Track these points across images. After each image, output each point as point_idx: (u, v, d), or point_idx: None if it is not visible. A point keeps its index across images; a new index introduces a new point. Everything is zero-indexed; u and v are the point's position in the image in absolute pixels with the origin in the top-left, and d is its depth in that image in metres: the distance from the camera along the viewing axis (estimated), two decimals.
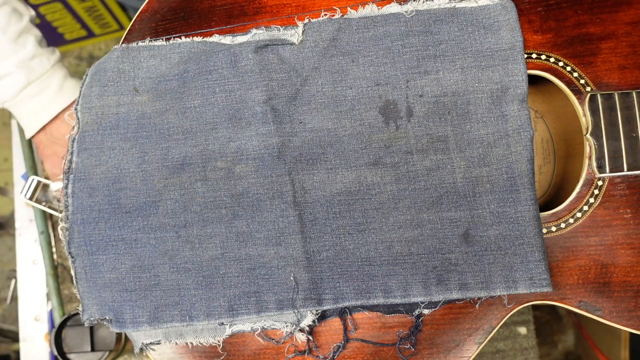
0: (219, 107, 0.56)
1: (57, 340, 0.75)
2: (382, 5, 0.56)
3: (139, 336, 0.56)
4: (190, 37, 0.58)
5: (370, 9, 0.56)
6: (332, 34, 0.56)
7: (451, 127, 0.54)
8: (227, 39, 0.58)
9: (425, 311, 0.54)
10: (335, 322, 0.55)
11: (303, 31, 0.56)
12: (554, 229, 0.55)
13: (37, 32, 0.68)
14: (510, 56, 0.54)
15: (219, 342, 0.55)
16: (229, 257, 0.54)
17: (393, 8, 0.56)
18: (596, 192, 0.55)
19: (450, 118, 0.54)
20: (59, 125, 0.69)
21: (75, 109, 0.58)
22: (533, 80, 0.59)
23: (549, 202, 0.68)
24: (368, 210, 0.54)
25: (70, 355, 0.75)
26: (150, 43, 0.59)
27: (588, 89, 0.56)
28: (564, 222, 0.55)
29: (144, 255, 0.55)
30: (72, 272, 0.56)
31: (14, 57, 0.66)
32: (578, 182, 0.55)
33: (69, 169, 0.57)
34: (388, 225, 0.54)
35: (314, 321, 0.54)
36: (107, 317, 0.55)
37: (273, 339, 0.55)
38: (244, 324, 0.55)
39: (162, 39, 0.59)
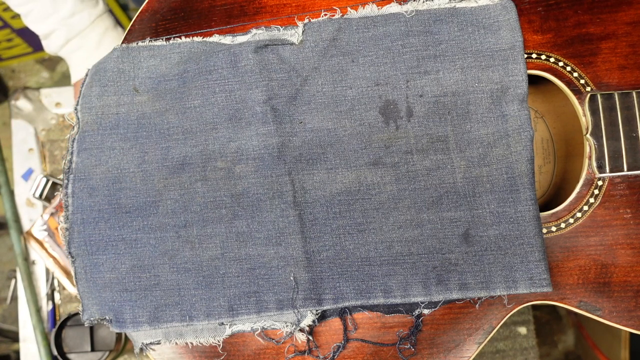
0: (219, 107, 0.56)
1: (57, 340, 0.75)
2: (382, 5, 0.56)
3: (139, 336, 0.56)
4: (190, 37, 0.58)
5: (370, 9, 0.56)
6: (332, 34, 0.56)
7: (451, 127, 0.54)
8: (227, 39, 0.58)
9: (425, 311, 0.54)
10: (335, 322, 0.55)
11: (303, 31, 0.56)
12: (554, 229, 0.55)
13: None
14: (510, 56, 0.54)
15: (219, 342, 0.55)
16: (229, 257, 0.54)
17: (393, 8, 0.56)
18: (596, 192, 0.55)
19: (450, 118, 0.54)
20: None
21: (75, 109, 0.58)
22: (533, 80, 0.59)
23: (549, 202, 0.68)
24: (368, 210, 0.54)
25: (70, 355, 0.75)
26: (150, 43, 0.59)
27: (588, 89, 0.56)
28: (564, 222, 0.55)
29: (144, 255, 0.55)
30: (72, 272, 0.56)
31: (55, 16, 0.69)
32: (578, 182, 0.55)
33: (69, 169, 0.57)
34: (388, 225, 0.54)
35: (314, 321, 0.54)
36: (107, 317, 0.55)
37: (273, 339, 0.55)
38: (244, 324, 0.55)
39: (162, 39, 0.59)
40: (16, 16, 1.23)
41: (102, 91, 0.58)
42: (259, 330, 0.55)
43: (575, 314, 1.29)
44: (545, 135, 0.69)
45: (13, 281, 1.29)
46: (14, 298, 1.28)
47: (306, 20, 0.57)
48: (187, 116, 0.56)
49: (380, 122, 0.55)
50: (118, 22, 0.77)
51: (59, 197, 0.84)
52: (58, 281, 0.85)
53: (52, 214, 0.84)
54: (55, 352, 0.74)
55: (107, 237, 0.55)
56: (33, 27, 0.72)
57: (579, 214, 0.55)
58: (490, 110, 0.54)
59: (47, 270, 0.85)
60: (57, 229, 0.83)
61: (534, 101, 0.69)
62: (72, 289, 0.83)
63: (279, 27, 0.57)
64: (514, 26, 0.54)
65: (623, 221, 0.54)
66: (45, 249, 0.84)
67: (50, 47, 0.73)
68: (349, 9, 0.57)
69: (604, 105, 0.55)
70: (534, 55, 0.56)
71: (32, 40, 1.38)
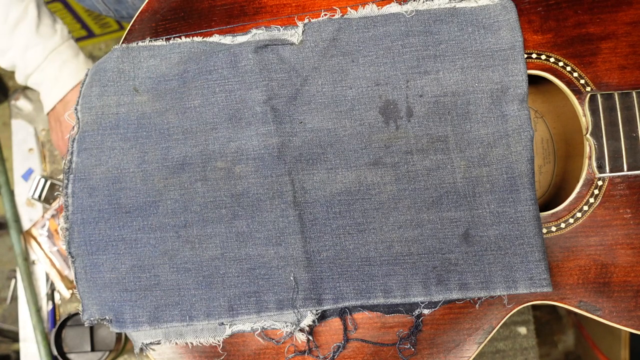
0: (219, 107, 0.56)
1: (57, 340, 0.75)
2: (382, 5, 0.56)
3: (139, 336, 0.56)
4: (190, 37, 0.58)
5: (370, 9, 0.56)
6: (332, 34, 0.56)
7: (451, 127, 0.54)
8: (227, 39, 0.58)
9: (425, 311, 0.54)
10: (335, 322, 0.55)
11: (303, 31, 0.56)
12: (554, 229, 0.55)
13: (32, 15, 0.67)
14: (510, 56, 0.54)
15: (219, 342, 0.55)
16: (229, 257, 0.54)
17: (393, 8, 0.56)
18: (596, 192, 0.55)
19: (450, 118, 0.54)
20: (63, 107, 0.71)
21: (76, 109, 0.58)
22: (533, 80, 0.59)
23: (549, 202, 0.68)
24: (368, 210, 0.54)
25: (70, 355, 0.75)
26: (150, 43, 0.59)
27: (588, 89, 0.56)
28: (564, 222, 0.55)
29: (144, 255, 0.55)
30: (72, 272, 0.56)
31: (13, 50, 0.68)
32: (578, 182, 0.55)
33: (69, 169, 0.57)
34: (388, 225, 0.54)
35: (314, 321, 0.54)
36: (107, 317, 0.55)
37: (273, 339, 0.55)
38: (244, 324, 0.55)
39: (162, 39, 0.59)
40: None
41: (102, 91, 0.58)
42: (259, 330, 0.55)
43: (575, 314, 1.29)
44: (545, 135, 0.69)
45: (13, 281, 1.29)
46: (14, 298, 1.28)
47: (306, 20, 0.57)
48: (187, 116, 0.56)
49: (380, 122, 0.55)
50: (118, 24, 0.76)
51: (60, 199, 0.84)
52: None
53: (53, 216, 0.84)
54: (55, 352, 0.74)
55: (107, 237, 0.55)
56: None
57: (579, 214, 0.55)
58: (490, 110, 0.54)
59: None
60: (56, 231, 0.83)
61: (534, 101, 0.69)
62: (65, 293, 0.83)
63: (279, 27, 0.57)
64: (514, 26, 0.54)
65: (623, 221, 0.54)
66: (43, 251, 0.84)
67: (17, 79, 0.72)
68: (349, 9, 0.57)
69: (604, 105, 0.55)
70: (534, 55, 0.56)
71: None
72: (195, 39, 0.58)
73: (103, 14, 0.92)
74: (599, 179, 0.55)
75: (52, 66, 0.69)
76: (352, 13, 0.56)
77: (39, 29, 0.68)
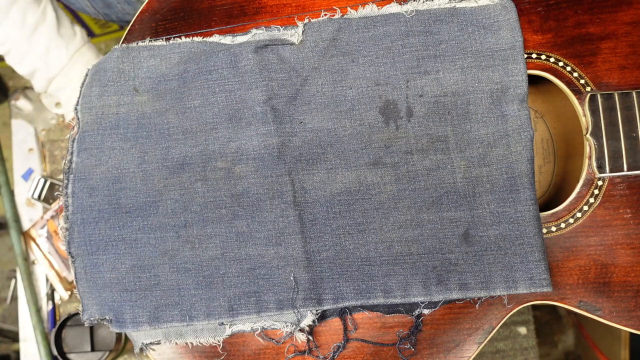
0: (219, 107, 0.56)
1: (57, 340, 0.75)
2: (382, 5, 0.56)
3: (139, 336, 0.56)
4: (190, 37, 0.58)
5: (370, 9, 0.56)
6: (332, 34, 0.56)
7: (451, 127, 0.54)
8: (227, 39, 0.58)
9: (425, 311, 0.54)
10: (335, 322, 0.55)
11: (303, 31, 0.56)
12: (554, 229, 0.55)
13: (51, 18, 0.66)
14: (510, 56, 0.54)
15: (219, 342, 0.55)
16: (229, 257, 0.54)
17: (393, 8, 0.56)
18: (596, 192, 0.55)
19: (450, 118, 0.54)
20: None
21: (76, 109, 0.58)
22: (533, 80, 0.59)
23: (549, 202, 0.68)
24: (368, 210, 0.54)
25: (70, 355, 0.75)
26: (150, 43, 0.59)
27: (588, 89, 0.56)
28: (564, 222, 0.55)
29: (144, 255, 0.55)
30: (72, 272, 0.56)
31: (32, 54, 0.66)
32: (578, 182, 0.55)
33: (69, 169, 0.57)
34: (388, 225, 0.54)
35: (314, 321, 0.54)
36: (107, 317, 0.55)
37: (273, 339, 0.55)
38: (244, 324, 0.55)
39: (162, 39, 0.59)
40: None
41: (102, 91, 0.58)
42: (259, 330, 0.55)
43: (575, 314, 1.29)
44: (545, 135, 0.69)
45: (13, 281, 1.29)
46: (14, 298, 1.28)
47: (306, 20, 0.57)
48: (187, 116, 0.56)
49: (380, 122, 0.55)
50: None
51: (59, 200, 0.84)
52: None
53: (52, 217, 0.84)
54: (55, 352, 0.74)
55: (107, 237, 0.55)
56: (16, 69, 0.68)
57: (579, 214, 0.55)
58: (490, 110, 0.54)
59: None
60: (56, 232, 0.83)
61: (534, 101, 0.69)
62: (64, 294, 0.83)
63: (279, 27, 0.57)
64: (514, 26, 0.54)
65: (623, 221, 0.54)
66: (42, 252, 0.84)
67: (37, 87, 0.69)
68: (349, 9, 0.57)
69: (604, 105, 0.55)
70: (534, 55, 0.56)
71: None
72: (195, 39, 0.58)
73: (93, 17, 0.91)
74: (599, 179, 0.55)
75: (77, 67, 0.68)
76: (352, 13, 0.56)
77: (59, 30, 0.66)
